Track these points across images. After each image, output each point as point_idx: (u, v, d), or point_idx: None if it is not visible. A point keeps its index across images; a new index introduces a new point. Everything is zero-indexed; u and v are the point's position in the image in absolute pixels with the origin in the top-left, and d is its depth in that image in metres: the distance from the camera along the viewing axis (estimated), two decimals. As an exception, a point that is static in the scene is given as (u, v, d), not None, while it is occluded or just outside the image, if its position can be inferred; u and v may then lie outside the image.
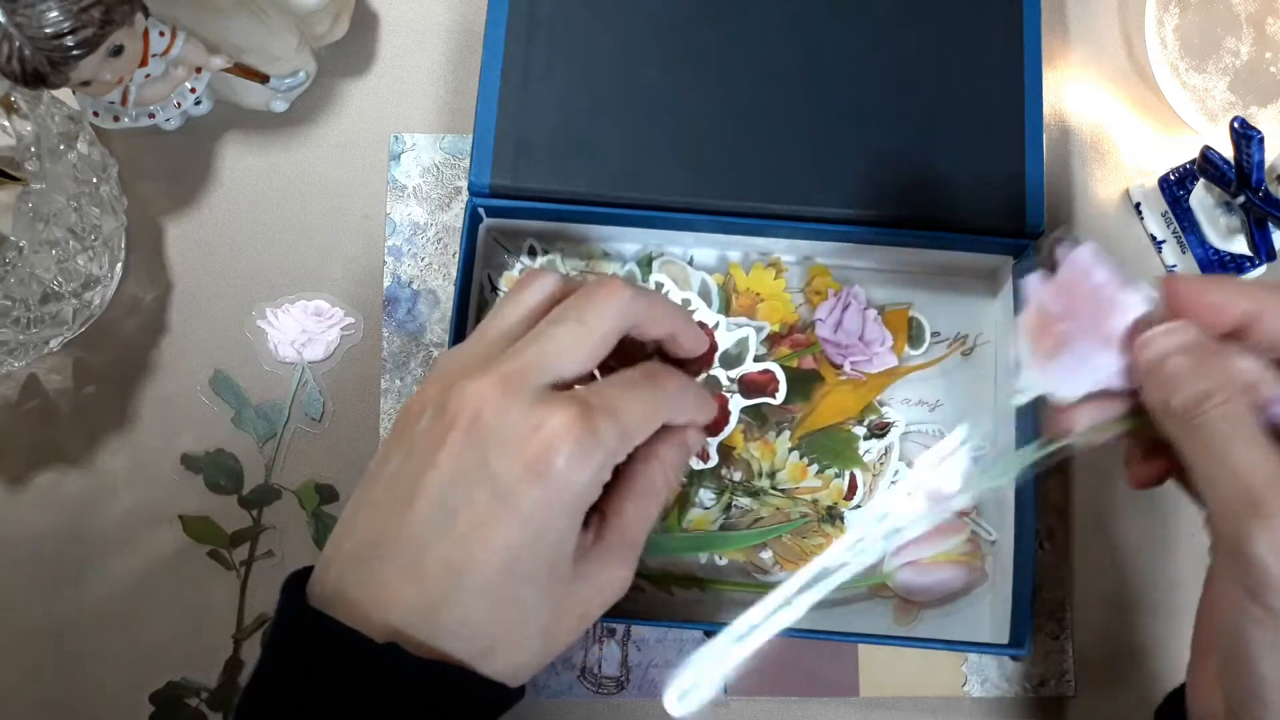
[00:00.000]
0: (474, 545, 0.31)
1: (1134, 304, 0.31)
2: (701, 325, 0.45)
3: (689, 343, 0.37)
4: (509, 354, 0.33)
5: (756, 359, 0.46)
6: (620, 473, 0.35)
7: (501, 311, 0.36)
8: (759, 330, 0.47)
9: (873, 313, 0.48)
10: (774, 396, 0.46)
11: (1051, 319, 0.32)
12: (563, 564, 0.33)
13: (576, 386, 0.34)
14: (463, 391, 0.32)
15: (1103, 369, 0.31)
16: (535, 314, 0.35)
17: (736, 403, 0.46)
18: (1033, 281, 0.33)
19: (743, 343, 0.46)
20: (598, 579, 0.34)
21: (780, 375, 0.46)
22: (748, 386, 0.46)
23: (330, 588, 0.33)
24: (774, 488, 0.47)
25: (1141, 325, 0.31)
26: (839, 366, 0.48)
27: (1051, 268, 0.33)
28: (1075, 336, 0.31)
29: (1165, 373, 0.30)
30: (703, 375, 0.46)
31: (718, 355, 0.47)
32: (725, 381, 0.47)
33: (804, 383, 0.48)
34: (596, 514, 0.35)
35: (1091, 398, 0.32)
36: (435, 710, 0.31)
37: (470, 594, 0.31)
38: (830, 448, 0.47)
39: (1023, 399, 0.34)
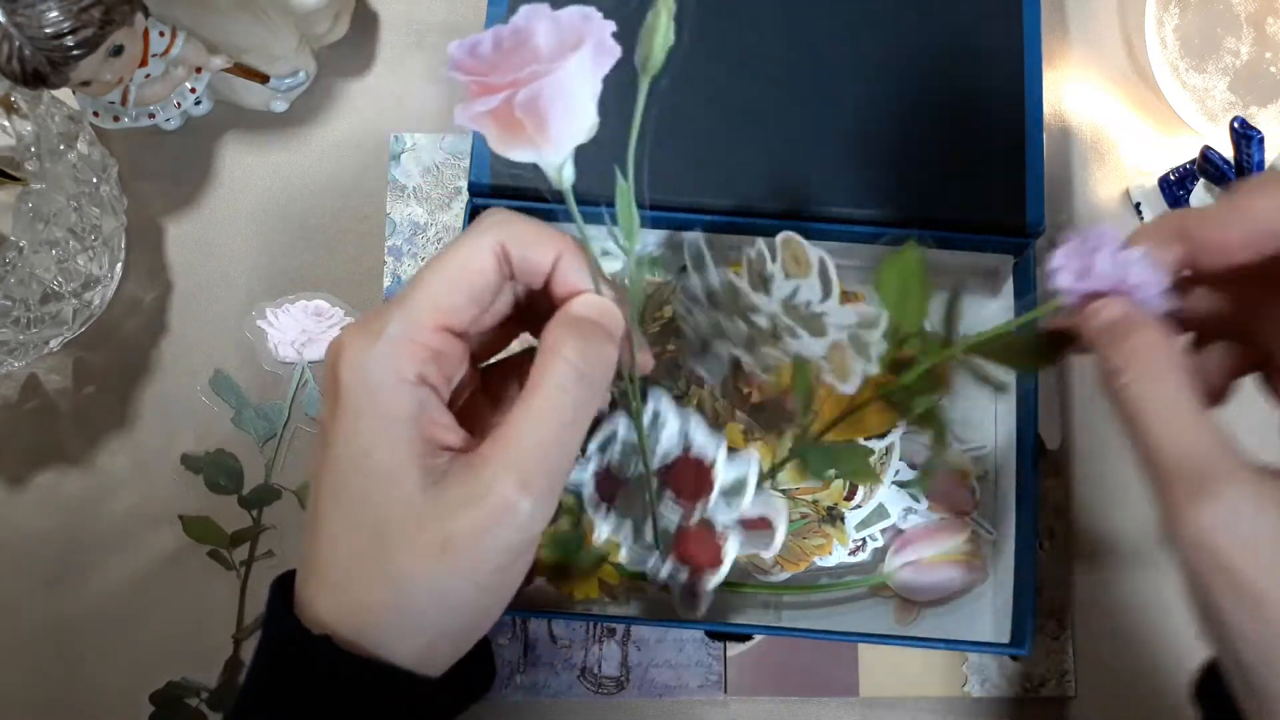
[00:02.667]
0: (315, 497, 0.30)
1: (534, 13, 0.29)
2: (698, 463, 0.41)
3: (572, 274, 0.32)
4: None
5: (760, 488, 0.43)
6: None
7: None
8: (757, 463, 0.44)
9: (1135, 253, 0.32)
10: (766, 549, 0.44)
11: (503, 110, 0.29)
12: (401, 485, 0.29)
13: None
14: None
15: (573, 79, 0.29)
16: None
17: (733, 546, 0.43)
18: (461, 113, 0.29)
19: (742, 477, 0.43)
20: (461, 492, 0.28)
21: (780, 519, 0.43)
22: (746, 529, 0.44)
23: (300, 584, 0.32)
24: (774, 488, 0.47)
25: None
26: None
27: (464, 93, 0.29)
28: (533, 92, 0.28)
29: (1102, 342, 0.30)
30: (697, 514, 0.42)
31: (716, 487, 0.43)
32: (722, 521, 0.43)
33: (1049, 349, 0.35)
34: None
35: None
36: (356, 692, 0.30)
37: (326, 540, 0.30)
38: (847, 463, 0.46)
39: (569, 171, 0.32)
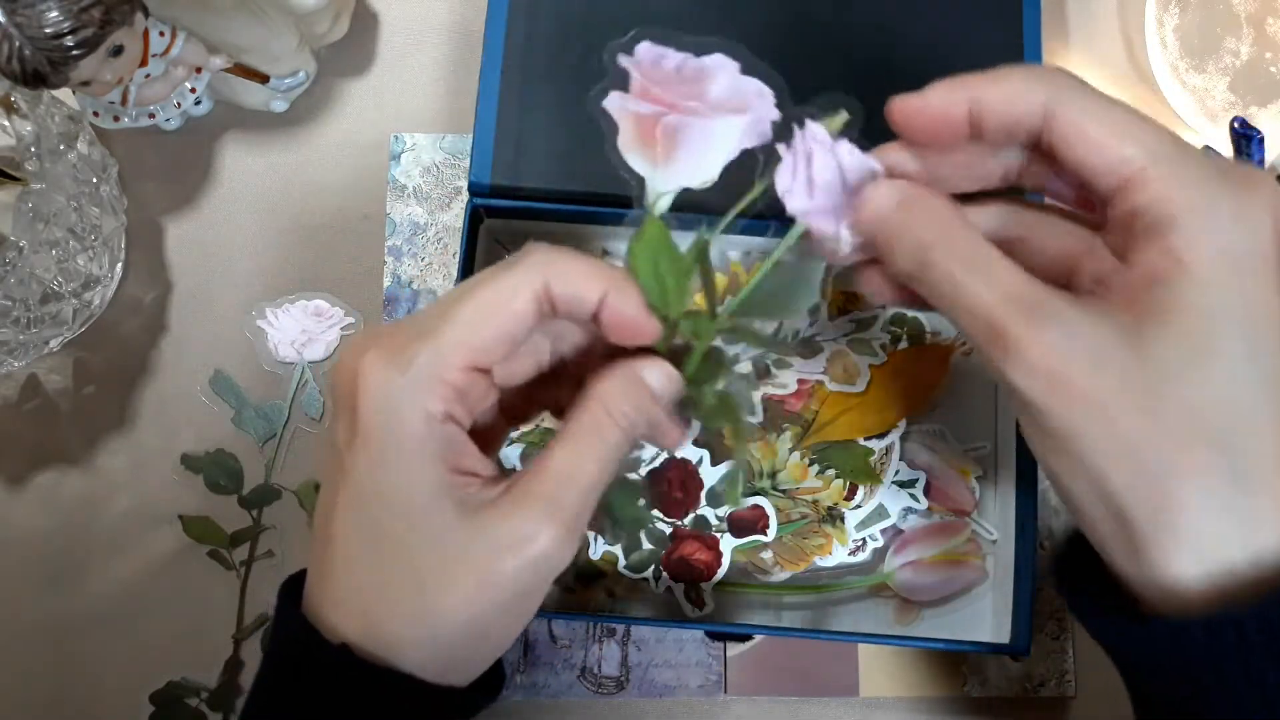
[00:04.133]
0: (331, 517, 0.30)
1: (717, 62, 0.30)
2: (684, 462, 0.43)
3: (624, 308, 0.30)
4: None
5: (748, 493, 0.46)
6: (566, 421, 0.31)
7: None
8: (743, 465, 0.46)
9: (847, 146, 0.31)
10: (764, 533, 0.46)
11: (648, 121, 0.30)
12: (432, 520, 0.29)
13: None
14: (344, 360, 0.30)
15: (725, 134, 0.29)
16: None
17: (728, 542, 0.46)
18: (612, 100, 0.30)
19: (729, 478, 0.46)
20: (497, 533, 0.29)
21: (770, 511, 0.46)
22: (737, 524, 0.46)
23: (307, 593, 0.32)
24: (774, 488, 0.47)
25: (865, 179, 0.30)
26: (836, 240, 0.32)
27: (622, 83, 0.30)
28: (682, 121, 0.29)
29: (885, 232, 0.30)
30: (690, 515, 0.45)
31: (704, 493, 0.46)
32: (714, 520, 0.46)
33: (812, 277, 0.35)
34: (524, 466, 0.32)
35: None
36: (383, 712, 0.30)
37: (341, 566, 0.30)
38: (847, 463, 0.47)
39: (665, 202, 0.31)
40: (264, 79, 0.49)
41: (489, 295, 0.30)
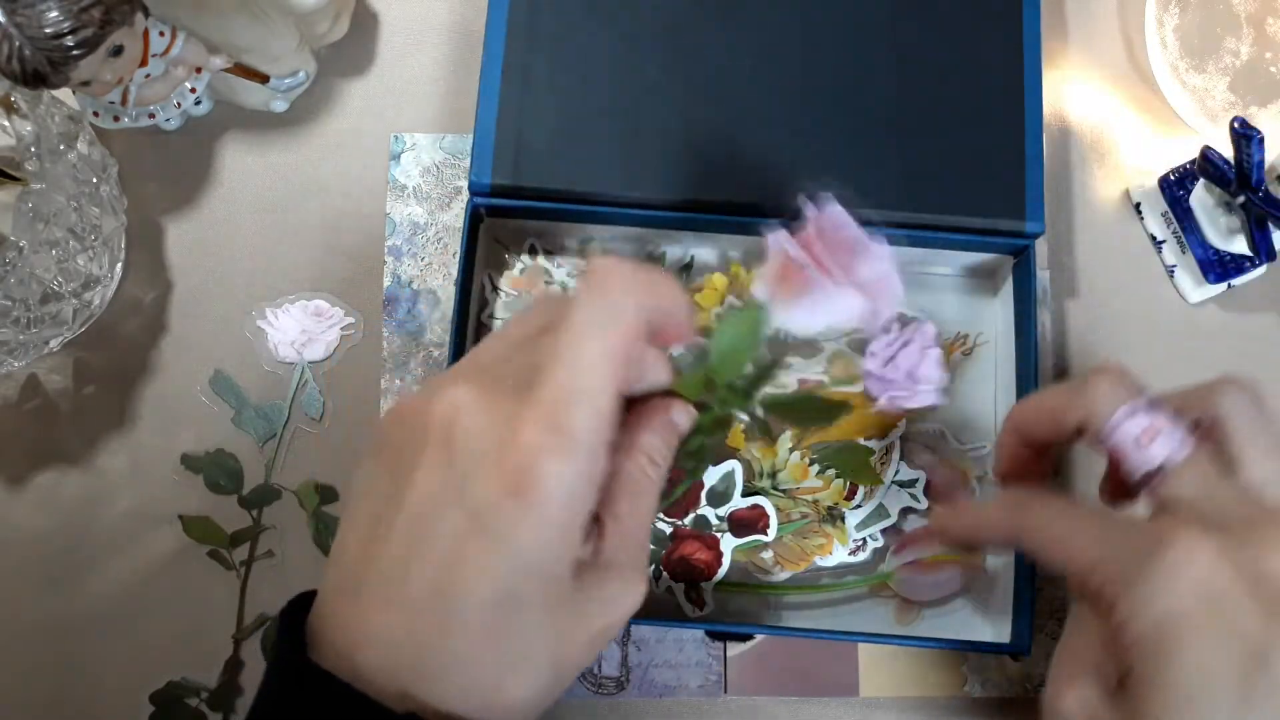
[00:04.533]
0: (458, 574, 0.28)
1: (880, 252, 0.33)
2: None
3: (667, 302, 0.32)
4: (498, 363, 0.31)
5: (744, 493, 0.46)
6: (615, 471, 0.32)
7: (504, 328, 0.33)
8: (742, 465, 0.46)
9: (935, 352, 0.44)
10: (765, 533, 0.46)
11: (795, 266, 0.33)
12: (562, 586, 0.29)
13: None
14: (440, 398, 0.29)
15: (844, 309, 0.33)
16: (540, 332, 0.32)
17: (729, 542, 0.46)
18: (776, 237, 0.33)
19: (729, 477, 0.46)
20: (604, 595, 0.30)
21: (771, 510, 0.46)
22: (737, 524, 0.46)
23: (319, 624, 0.30)
24: (774, 488, 0.47)
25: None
26: (875, 399, 0.44)
27: (795, 221, 0.34)
28: (819, 280, 0.33)
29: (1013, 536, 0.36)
30: (691, 516, 0.46)
31: (704, 493, 0.46)
32: (714, 520, 0.46)
33: (830, 413, 0.43)
34: (595, 521, 0.32)
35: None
36: None
37: (461, 629, 0.28)
38: (847, 463, 0.47)
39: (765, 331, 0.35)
40: (264, 79, 0.49)
41: (596, 370, 0.29)
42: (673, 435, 0.33)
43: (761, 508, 0.46)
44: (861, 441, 0.47)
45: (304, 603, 0.31)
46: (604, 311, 0.29)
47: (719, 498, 0.46)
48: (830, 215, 0.35)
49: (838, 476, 0.47)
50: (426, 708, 0.28)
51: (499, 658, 0.29)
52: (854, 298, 0.33)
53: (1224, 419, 0.34)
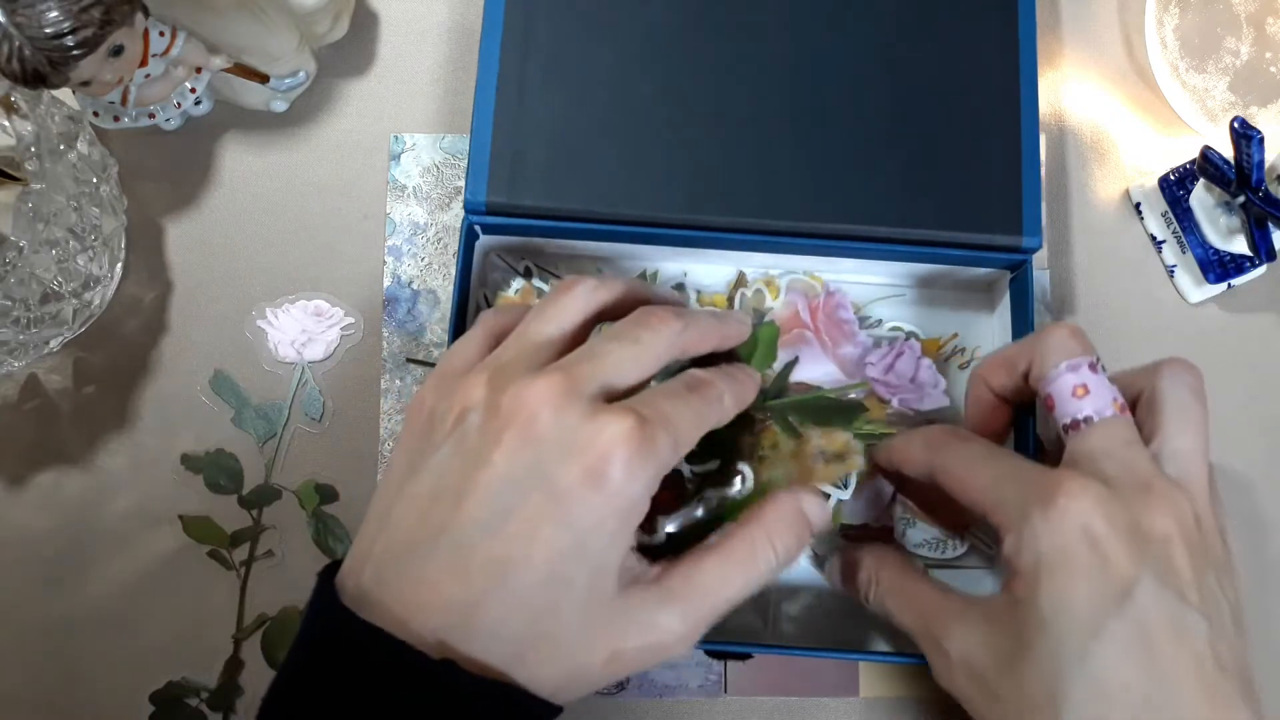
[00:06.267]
0: (524, 546, 0.31)
1: (860, 340, 0.48)
2: (677, 473, 0.44)
3: (730, 343, 0.38)
4: (564, 362, 0.33)
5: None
6: (722, 534, 0.34)
7: (544, 315, 0.36)
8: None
9: (927, 361, 0.47)
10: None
11: (799, 320, 0.45)
12: (606, 579, 0.32)
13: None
14: (520, 391, 0.32)
15: (821, 372, 0.46)
16: (580, 324, 0.36)
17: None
18: (798, 293, 0.45)
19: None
20: (640, 616, 0.32)
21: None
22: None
23: (365, 585, 0.32)
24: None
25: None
26: (887, 402, 0.46)
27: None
28: (809, 341, 0.45)
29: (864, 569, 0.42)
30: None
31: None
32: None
33: (847, 412, 0.46)
34: (672, 559, 0.34)
35: None
36: None
37: (512, 595, 0.31)
38: (819, 413, 0.46)
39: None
40: (264, 79, 0.49)
41: (710, 393, 0.36)
42: (800, 523, 0.35)
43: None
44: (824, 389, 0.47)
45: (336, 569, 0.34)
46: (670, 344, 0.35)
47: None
48: (836, 297, 0.46)
49: (816, 425, 0.46)
50: (462, 657, 0.30)
51: (528, 631, 0.31)
52: (829, 365, 0.45)
53: (1157, 392, 0.37)
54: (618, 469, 0.30)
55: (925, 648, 0.37)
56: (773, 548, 0.34)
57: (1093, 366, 0.37)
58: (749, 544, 0.34)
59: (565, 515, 0.31)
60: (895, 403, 0.46)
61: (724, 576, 0.33)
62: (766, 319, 0.47)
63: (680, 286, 0.49)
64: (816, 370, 0.46)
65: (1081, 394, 0.36)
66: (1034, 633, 0.33)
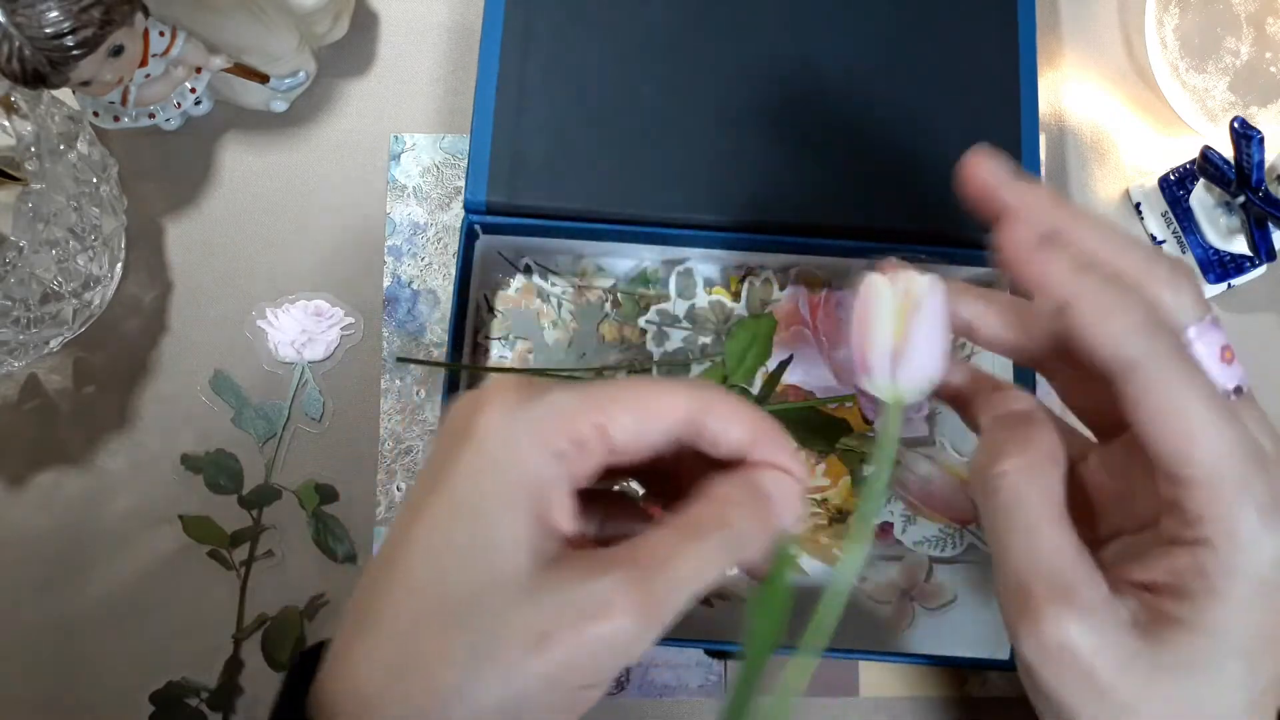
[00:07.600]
0: (394, 553, 0.27)
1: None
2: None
3: (777, 456, 0.29)
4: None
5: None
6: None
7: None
8: None
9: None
10: None
11: (799, 318, 0.39)
12: (507, 557, 0.26)
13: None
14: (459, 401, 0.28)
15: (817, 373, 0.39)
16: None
17: None
18: (800, 292, 0.38)
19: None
20: (566, 591, 0.25)
21: None
22: None
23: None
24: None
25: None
26: (870, 423, 0.43)
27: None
28: (808, 339, 0.38)
29: (990, 428, 0.32)
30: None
31: None
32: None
33: (830, 431, 0.43)
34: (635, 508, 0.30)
35: None
36: None
37: (398, 595, 0.26)
38: (815, 433, 0.46)
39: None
40: (264, 79, 0.49)
41: (646, 390, 0.28)
42: (759, 505, 0.28)
43: None
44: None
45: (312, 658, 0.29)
46: (661, 383, 0.29)
47: None
48: (839, 297, 0.44)
49: (819, 452, 0.46)
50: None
51: (418, 617, 0.26)
52: (823, 370, 0.42)
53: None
54: (487, 418, 0.27)
55: (1030, 594, 0.28)
56: (727, 521, 0.27)
57: (1216, 322, 0.30)
58: (697, 515, 0.27)
59: (440, 480, 0.27)
60: (877, 424, 0.43)
61: (675, 545, 0.26)
62: (768, 310, 0.47)
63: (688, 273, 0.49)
64: (811, 374, 0.46)
65: (1230, 358, 0.29)
66: (1210, 656, 0.27)
